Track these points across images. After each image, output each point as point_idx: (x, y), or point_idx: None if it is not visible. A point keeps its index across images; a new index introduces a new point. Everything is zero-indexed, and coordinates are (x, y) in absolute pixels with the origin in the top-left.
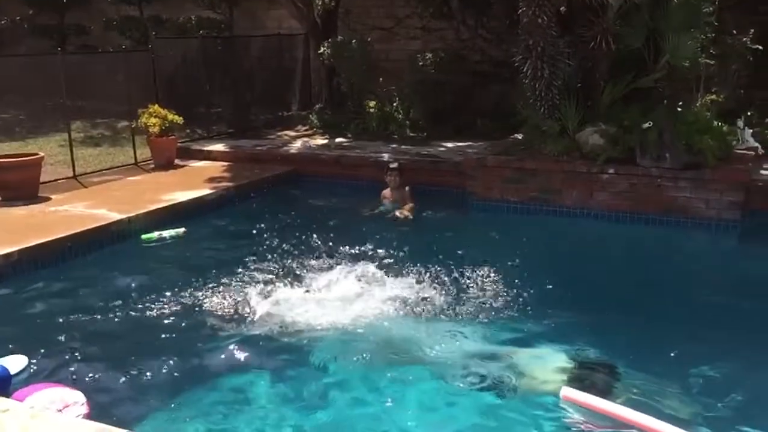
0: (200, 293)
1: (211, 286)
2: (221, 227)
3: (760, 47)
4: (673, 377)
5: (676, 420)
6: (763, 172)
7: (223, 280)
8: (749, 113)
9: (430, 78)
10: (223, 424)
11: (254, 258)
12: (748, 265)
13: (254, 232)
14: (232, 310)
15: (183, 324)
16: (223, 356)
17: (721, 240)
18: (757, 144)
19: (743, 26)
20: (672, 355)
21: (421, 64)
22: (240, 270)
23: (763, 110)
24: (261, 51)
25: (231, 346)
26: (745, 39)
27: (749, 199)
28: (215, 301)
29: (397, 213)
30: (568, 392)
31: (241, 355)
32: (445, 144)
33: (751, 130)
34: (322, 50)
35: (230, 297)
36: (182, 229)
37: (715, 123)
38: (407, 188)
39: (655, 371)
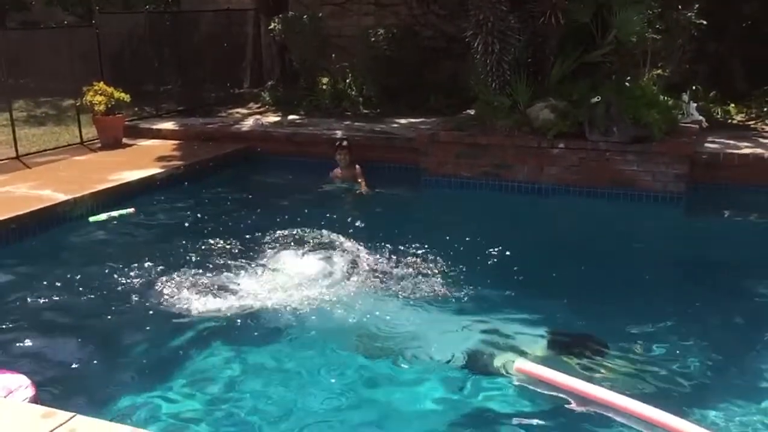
0: (151, 275)
1: (162, 267)
2: (172, 207)
3: (704, 22)
4: (624, 345)
5: (626, 389)
6: (707, 145)
7: (175, 261)
8: (694, 87)
9: (382, 54)
10: (176, 408)
11: (207, 238)
12: (693, 235)
13: (206, 211)
14: (185, 292)
15: (134, 307)
16: (174, 339)
17: (667, 211)
18: (701, 117)
19: (688, 1)
20: (623, 322)
21: (373, 40)
22: (193, 250)
23: (708, 84)
24: (210, 27)
25: (182, 329)
26: (690, 14)
27: (693, 171)
28: (168, 282)
29: (362, 190)
30: (522, 364)
31: (193, 337)
32: (398, 120)
33: (695, 104)
34: (272, 26)
35: (183, 278)
36: (131, 210)
37: (662, 97)
38: (357, 166)
39: (609, 340)
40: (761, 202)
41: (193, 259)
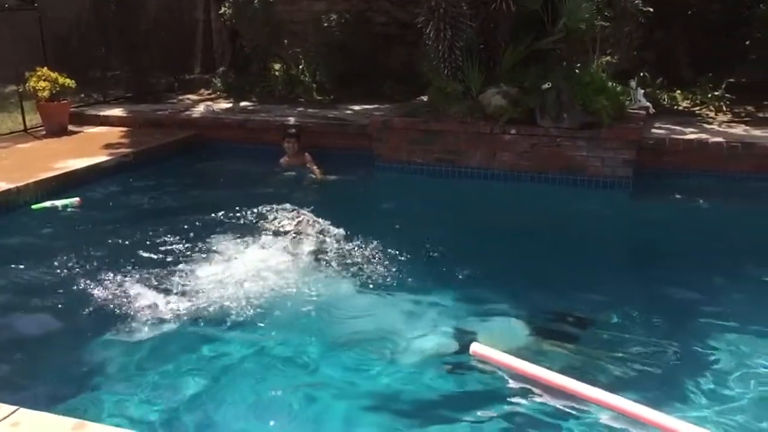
0: (98, 269)
1: (109, 260)
2: (120, 196)
3: (651, 10)
4: (579, 328)
5: (579, 373)
6: (653, 131)
7: (123, 254)
8: (642, 74)
9: (335, 40)
10: (124, 404)
11: (158, 228)
12: (640, 219)
13: (156, 200)
14: (135, 287)
15: (77, 303)
16: (122, 335)
17: (615, 196)
18: (648, 104)
19: None
20: (576, 305)
21: (326, 26)
22: (143, 242)
23: (655, 71)
24: (159, 11)
25: (131, 325)
26: (637, 1)
27: (641, 156)
28: (115, 277)
29: (317, 177)
30: (478, 348)
31: (143, 333)
32: (352, 107)
33: (643, 91)
34: (222, 11)
35: (132, 272)
36: (76, 199)
37: (610, 84)
38: (306, 153)
39: (563, 323)
40: (704, 186)
41: (143, 251)
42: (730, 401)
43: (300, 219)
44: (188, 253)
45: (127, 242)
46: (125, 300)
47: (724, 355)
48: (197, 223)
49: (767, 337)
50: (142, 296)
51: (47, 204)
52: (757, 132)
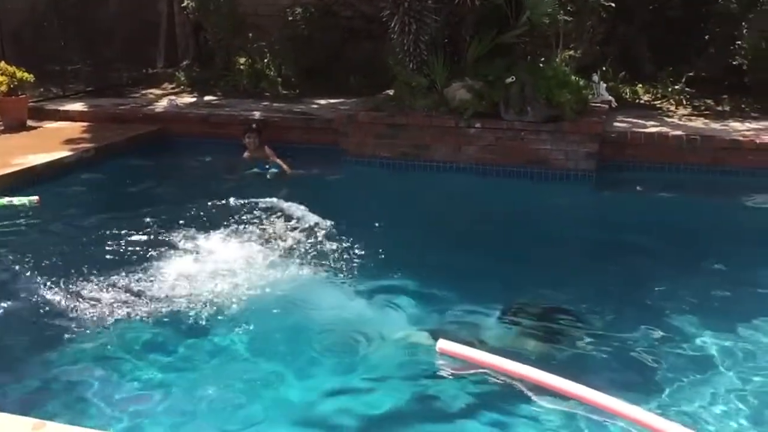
0: (59, 271)
1: (71, 261)
2: (82, 192)
3: (613, 5)
4: (544, 320)
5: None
6: (615, 124)
7: (86, 254)
8: (604, 68)
9: (300, 34)
10: (83, 409)
11: (122, 226)
12: (603, 210)
13: (119, 197)
14: (98, 289)
15: (34, 304)
16: (85, 341)
17: (578, 188)
18: (610, 97)
19: None
20: (541, 296)
21: (290, 19)
22: (106, 241)
23: (617, 65)
24: (120, 3)
25: (94, 331)
26: None
27: (603, 149)
28: (77, 279)
29: (286, 170)
30: (444, 345)
31: (108, 338)
32: (317, 101)
33: (605, 85)
34: (185, 3)
35: (96, 273)
36: (35, 198)
37: (573, 78)
38: (267, 147)
39: (529, 315)
40: (665, 178)
41: (105, 249)
42: (688, 389)
43: (266, 213)
44: (152, 250)
45: (88, 240)
46: (85, 301)
47: (685, 342)
48: (161, 220)
49: (727, 322)
50: (104, 296)
51: (4, 201)
52: (715, 125)
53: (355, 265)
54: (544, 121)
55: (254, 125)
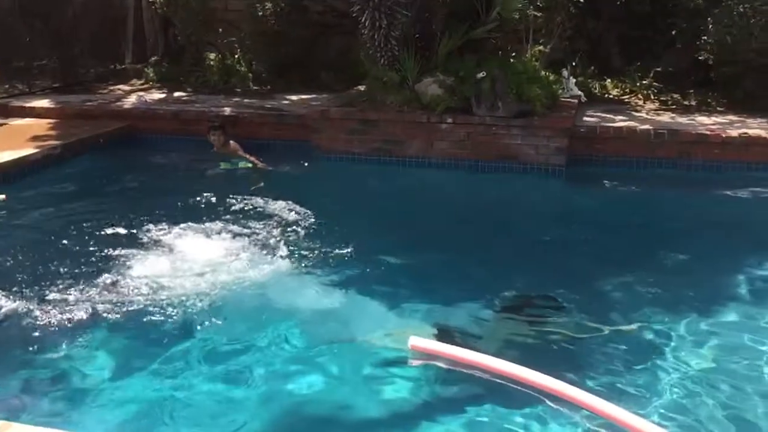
0: (27, 272)
1: (40, 262)
2: (49, 191)
3: (581, 0)
4: (516, 313)
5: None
6: (585, 119)
7: (55, 255)
8: (573, 63)
9: (271, 30)
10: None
11: (91, 225)
12: (573, 205)
13: (88, 195)
14: (69, 291)
15: (6, 305)
16: (57, 346)
17: (549, 183)
18: (580, 92)
19: None
20: (512, 290)
21: (261, 14)
22: (76, 240)
23: (586, 60)
24: None
25: (66, 334)
26: None
27: (573, 144)
28: (47, 280)
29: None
30: (416, 342)
31: (82, 341)
32: (289, 97)
33: (574, 80)
34: None
35: (66, 274)
36: (2, 196)
37: (543, 73)
38: (232, 142)
39: (500, 308)
40: (633, 171)
41: (74, 248)
42: (659, 381)
43: (236, 210)
44: (121, 248)
45: (56, 239)
46: (52, 303)
47: (650, 333)
48: (130, 218)
49: (689, 310)
50: (72, 297)
51: None
52: (682, 119)
53: (327, 260)
54: (515, 116)
55: (217, 122)
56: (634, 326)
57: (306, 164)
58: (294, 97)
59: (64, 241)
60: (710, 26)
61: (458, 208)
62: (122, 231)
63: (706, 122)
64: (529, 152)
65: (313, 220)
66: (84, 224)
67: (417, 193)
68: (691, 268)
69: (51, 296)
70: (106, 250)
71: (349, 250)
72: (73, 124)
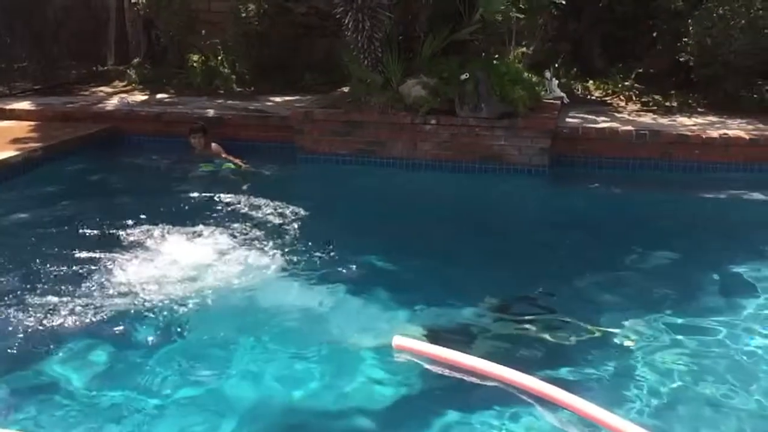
0: (7, 278)
1: (21, 267)
2: (30, 194)
3: (563, 2)
4: (499, 313)
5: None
6: (568, 120)
7: (37, 260)
8: (556, 65)
9: (253, 31)
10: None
11: (73, 228)
12: (556, 205)
13: (70, 198)
14: (50, 297)
15: None
16: (43, 356)
17: (532, 183)
18: (562, 94)
19: None
20: (496, 290)
21: (244, 16)
22: (57, 244)
23: (569, 62)
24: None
25: (50, 342)
26: None
27: (556, 145)
28: (29, 286)
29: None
30: (400, 341)
31: (67, 351)
32: (273, 98)
33: (557, 81)
34: None
35: (49, 280)
36: None
37: (526, 74)
38: (213, 144)
39: (484, 309)
40: (615, 172)
41: (58, 253)
42: (635, 379)
43: (220, 212)
44: (104, 252)
45: (37, 243)
46: (32, 308)
47: (630, 332)
48: (113, 221)
49: (673, 309)
50: (53, 302)
51: None
52: (663, 120)
53: (312, 262)
54: (498, 118)
55: (196, 125)
56: (615, 329)
57: (290, 166)
58: (278, 99)
59: (46, 245)
60: (691, 28)
61: (442, 210)
62: (104, 234)
63: (687, 123)
64: (512, 153)
65: (296, 221)
66: (65, 227)
67: (401, 195)
68: (672, 268)
69: (31, 300)
70: (88, 254)
71: (333, 251)
72: (54, 127)
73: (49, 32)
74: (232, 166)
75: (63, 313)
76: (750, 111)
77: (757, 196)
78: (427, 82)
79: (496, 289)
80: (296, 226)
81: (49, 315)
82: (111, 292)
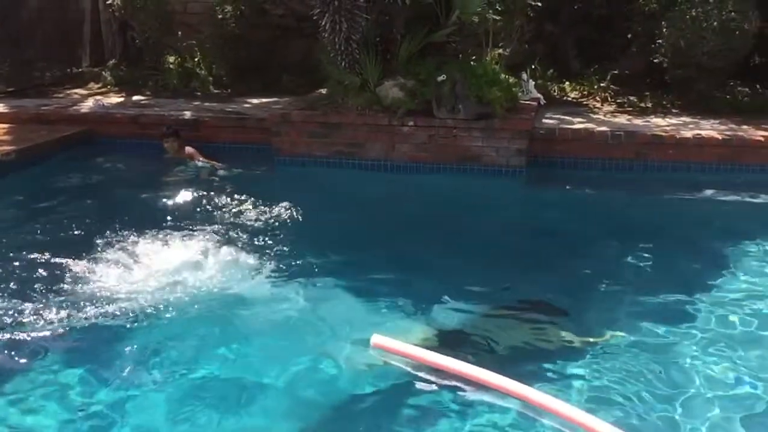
0: None
1: None
2: (3, 197)
3: (539, 4)
4: (477, 314)
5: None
6: (544, 121)
7: (10, 266)
8: (533, 66)
9: (230, 32)
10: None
11: (48, 234)
12: (534, 205)
13: (44, 203)
14: (26, 305)
15: None
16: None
17: (510, 184)
18: (539, 95)
19: None
20: (474, 290)
21: (220, 17)
22: (31, 250)
23: (545, 63)
24: (42, 0)
25: (24, 352)
26: None
27: (533, 146)
28: (3, 286)
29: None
30: (378, 339)
31: (41, 361)
32: (250, 100)
33: (534, 82)
34: (110, 0)
35: (23, 287)
36: None
37: (503, 76)
38: (188, 148)
39: (461, 310)
40: (591, 172)
41: (29, 257)
42: (612, 375)
43: (197, 214)
44: (81, 257)
45: (8, 246)
46: (5, 316)
47: (609, 331)
48: (89, 225)
49: (647, 310)
50: (27, 311)
51: None
52: (638, 121)
53: (289, 265)
54: (476, 119)
55: (169, 129)
56: (591, 329)
57: (267, 168)
58: (255, 101)
59: (16, 249)
60: (664, 30)
61: (420, 211)
62: (78, 237)
63: (661, 124)
64: (490, 154)
65: (273, 223)
66: (37, 231)
67: (379, 197)
68: (644, 267)
69: (2, 305)
70: (63, 259)
71: (310, 254)
72: (28, 129)
73: (22, 34)
74: (207, 168)
75: (34, 320)
76: (722, 111)
77: (730, 196)
78: (404, 83)
79: (472, 290)
80: (272, 228)
81: (16, 324)
82: (85, 297)
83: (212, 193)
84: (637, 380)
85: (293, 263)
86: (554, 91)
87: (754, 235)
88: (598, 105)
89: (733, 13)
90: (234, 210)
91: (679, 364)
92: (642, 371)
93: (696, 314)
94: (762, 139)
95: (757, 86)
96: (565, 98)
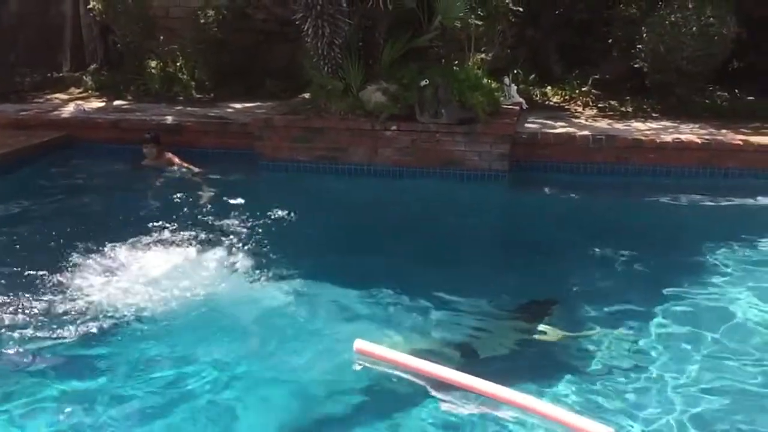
0: None
1: None
2: None
3: (521, 9)
4: (461, 318)
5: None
6: (527, 125)
7: None
8: (515, 71)
9: (213, 37)
10: None
11: (28, 240)
12: (516, 209)
13: (25, 209)
14: (10, 304)
15: None
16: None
17: (492, 188)
18: (521, 99)
19: None
20: (457, 295)
21: (203, 22)
22: (11, 257)
23: (527, 68)
24: (21, 4)
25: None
26: (507, 1)
27: (515, 150)
28: None
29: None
30: (361, 345)
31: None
32: (233, 105)
33: (516, 87)
34: (92, 5)
35: (4, 288)
36: None
37: (485, 80)
38: (167, 154)
39: (444, 315)
40: (573, 176)
41: (11, 264)
42: (601, 373)
43: (178, 219)
44: (61, 263)
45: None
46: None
47: (589, 331)
48: (70, 231)
49: (627, 314)
50: (7, 320)
51: None
52: (619, 125)
53: (272, 270)
54: (458, 123)
55: (149, 134)
56: (576, 332)
57: (250, 173)
58: (238, 105)
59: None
60: (644, 35)
61: (402, 215)
62: (58, 243)
63: (641, 128)
64: (472, 158)
65: (255, 228)
66: (17, 237)
67: (362, 201)
68: (628, 271)
69: None
70: (42, 265)
71: (292, 259)
72: (8, 134)
73: (3, 38)
74: (186, 173)
75: (14, 329)
76: (702, 116)
77: (708, 200)
78: (387, 88)
79: (455, 294)
80: (255, 234)
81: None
82: (66, 306)
83: (194, 198)
84: (617, 378)
85: (276, 269)
86: (536, 95)
87: (733, 238)
88: (580, 109)
89: (711, 19)
90: (216, 215)
91: (655, 363)
92: (621, 368)
93: (673, 315)
94: (741, 142)
95: (736, 91)
96: (547, 102)
